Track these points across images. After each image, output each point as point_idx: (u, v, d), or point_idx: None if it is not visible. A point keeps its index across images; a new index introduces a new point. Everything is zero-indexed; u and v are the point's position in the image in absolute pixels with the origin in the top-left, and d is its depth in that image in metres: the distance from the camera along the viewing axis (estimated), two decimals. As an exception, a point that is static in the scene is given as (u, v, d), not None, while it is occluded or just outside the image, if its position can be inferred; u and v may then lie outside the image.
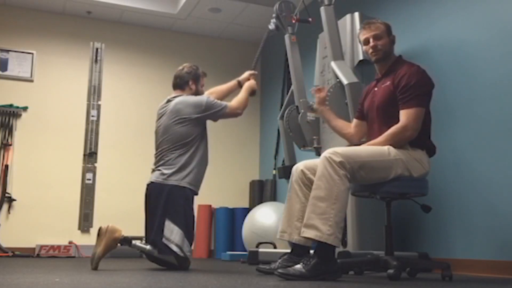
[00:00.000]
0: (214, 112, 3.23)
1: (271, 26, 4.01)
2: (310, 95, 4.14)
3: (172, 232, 2.99)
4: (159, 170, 3.15)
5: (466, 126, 3.29)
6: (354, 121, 2.96)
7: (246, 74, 3.60)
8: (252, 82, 3.50)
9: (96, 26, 5.78)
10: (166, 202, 3.05)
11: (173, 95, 3.33)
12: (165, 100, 3.34)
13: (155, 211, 3.07)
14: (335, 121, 3.01)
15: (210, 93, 3.53)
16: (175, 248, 2.97)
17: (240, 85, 3.57)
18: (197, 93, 3.36)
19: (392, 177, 2.48)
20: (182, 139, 3.16)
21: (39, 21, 5.57)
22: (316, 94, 3.08)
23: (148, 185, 3.18)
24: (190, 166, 3.15)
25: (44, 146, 5.38)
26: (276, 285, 2.03)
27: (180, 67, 3.40)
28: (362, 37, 2.76)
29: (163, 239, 2.98)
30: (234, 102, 3.32)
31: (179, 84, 3.35)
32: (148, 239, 3.09)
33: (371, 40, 2.71)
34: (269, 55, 6.12)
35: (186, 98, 3.25)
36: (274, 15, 3.98)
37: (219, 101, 3.27)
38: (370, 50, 2.72)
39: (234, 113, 3.30)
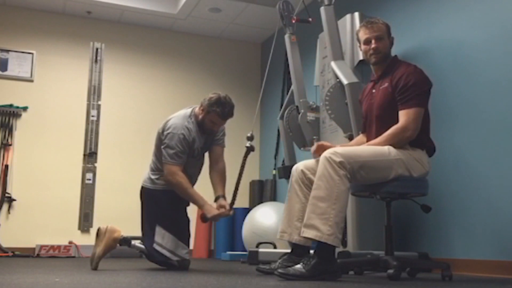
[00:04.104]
0: (161, 150, 3.02)
1: (248, 144, 3.59)
2: (310, 95, 4.15)
3: (164, 238, 2.99)
4: (148, 173, 3.18)
5: (466, 126, 3.28)
6: (362, 135, 2.88)
7: (225, 203, 3.03)
8: (214, 213, 2.97)
9: (96, 26, 5.78)
10: (156, 208, 3.06)
11: (191, 106, 3.21)
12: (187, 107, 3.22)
13: (146, 217, 3.10)
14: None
15: (211, 168, 3.20)
16: (168, 254, 2.98)
17: (217, 199, 3.08)
18: (202, 122, 3.09)
19: (392, 177, 2.48)
20: (159, 149, 3.09)
21: (39, 21, 5.57)
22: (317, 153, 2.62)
23: (141, 187, 3.19)
24: None
25: (44, 146, 5.38)
26: (276, 285, 2.03)
27: (215, 92, 3.10)
28: (363, 36, 2.72)
29: (155, 245, 2.98)
30: (181, 176, 2.95)
31: (201, 102, 3.13)
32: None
33: (373, 41, 2.68)
34: (269, 55, 6.11)
35: (175, 117, 3.09)
36: (249, 135, 3.53)
37: (174, 152, 2.96)
38: (371, 52, 2.70)
39: (165, 175, 2.99)
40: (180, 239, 3.02)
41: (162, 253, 2.97)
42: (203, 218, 3.01)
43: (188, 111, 3.16)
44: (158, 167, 3.12)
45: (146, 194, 3.13)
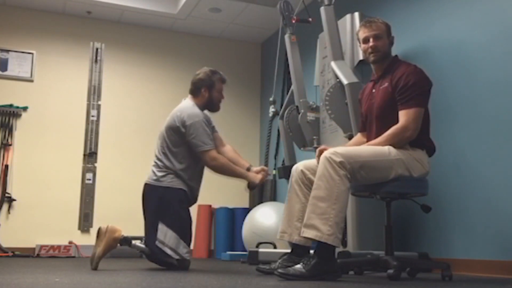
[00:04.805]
0: (190, 140, 3.06)
1: (271, 113, 3.92)
2: (310, 95, 4.14)
3: (166, 235, 2.98)
4: (152, 171, 3.16)
5: (466, 126, 3.29)
6: (360, 134, 2.91)
7: (259, 168, 3.23)
8: (257, 178, 3.11)
9: (96, 26, 5.78)
10: (159, 204, 3.05)
11: (187, 98, 3.28)
12: (182, 100, 3.30)
13: (149, 214, 3.09)
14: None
15: (220, 152, 3.23)
16: (169, 252, 2.97)
17: (248, 170, 3.20)
18: (210, 100, 3.23)
19: (392, 177, 2.49)
20: (172, 146, 3.11)
21: (39, 21, 5.57)
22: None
23: (144, 185, 3.18)
24: (182, 171, 3.09)
25: (44, 146, 5.38)
26: (276, 285, 2.03)
27: (197, 72, 3.27)
28: (362, 35, 2.73)
29: (157, 242, 2.98)
30: (220, 157, 3.09)
31: (193, 90, 3.24)
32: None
33: (371, 39, 2.69)
34: (269, 55, 6.12)
35: (185, 109, 3.15)
36: (271, 99, 3.85)
37: (205, 136, 3.05)
38: (369, 50, 2.70)
39: (205, 160, 3.07)
40: (182, 238, 3.02)
41: (163, 250, 2.97)
42: (251, 186, 3.13)
43: (188, 101, 3.22)
44: (166, 164, 3.11)
45: (149, 190, 3.12)
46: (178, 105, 3.23)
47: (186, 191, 3.11)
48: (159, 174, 3.10)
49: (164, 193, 3.06)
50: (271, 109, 3.47)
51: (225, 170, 3.10)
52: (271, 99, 3.53)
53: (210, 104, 3.24)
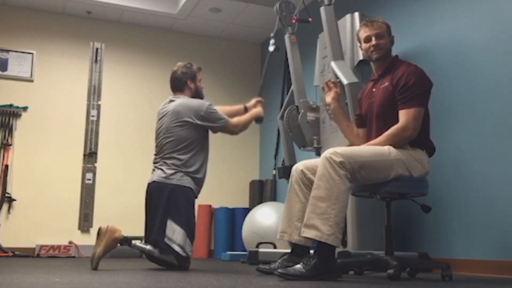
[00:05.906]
0: (211, 125, 3.23)
1: (271, 48, 3.97)
2: (310, 95, 4.14)
3: (174, 232, 2.99)
4: (161, 169, 3.16)
5: (466, 126, 3.29)
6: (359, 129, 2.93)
7: (253, 101, 3.55)
8: (259, 109, 3.47)
9: (96, 26, 5.78)
10: (168, 201, 3.05)
11: (175, 96, 3.35)
12: (167, 100, 3.35)
13: (157, 211, 3.07)
14: (348, 122, 2.92)
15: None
16: (177, 248, 2.97)
17: (246, 110, 3.52)
18: (197, 90, 3.36)
19: (392, 177, 2.49)
20: (182, 142, 3.15)
21: (39, 21, 5.57)
22: (328, 90, 2.96)
23: (149, 184, 3.18)
24: (191, 168, 3.14)
25: (44, 146, 5.38)
26: (276, 285, 2.03)
27: (174, 68, 3.38)
28: (364, 35, 2.74)
29: (165, 239, 2.98)
30: (236, 120, 3.32)
31: (177, 86, 3.36)
32: (149, 238, 3.09)
33: (373, 38, 2.70)
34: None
35: (187, 102, 3.24)
36: (272, 34, 3.96)
37: (219, 114, 3.24)
38: (371, 49, 2.70)
39: (230, 131, 3.31)
40: (188, 235, 3.03)
41: (172, 247, 2.97)
42: (258, 120, 3.46)
43: (183, 97, 3.30)
44: (175, 162, 3.12)
45: (158, 188, 3.11)
46: (175, 103, 3.24)
47: (193, 189, 3.14)
48: (169, 171, 3.11)
49: (174, 190, 3.07)
50: (272, 44, 3.65)
51: (245, 126, 3.37)
52: (272, 34, 3.70)
53: (197, 94, 3.36)
